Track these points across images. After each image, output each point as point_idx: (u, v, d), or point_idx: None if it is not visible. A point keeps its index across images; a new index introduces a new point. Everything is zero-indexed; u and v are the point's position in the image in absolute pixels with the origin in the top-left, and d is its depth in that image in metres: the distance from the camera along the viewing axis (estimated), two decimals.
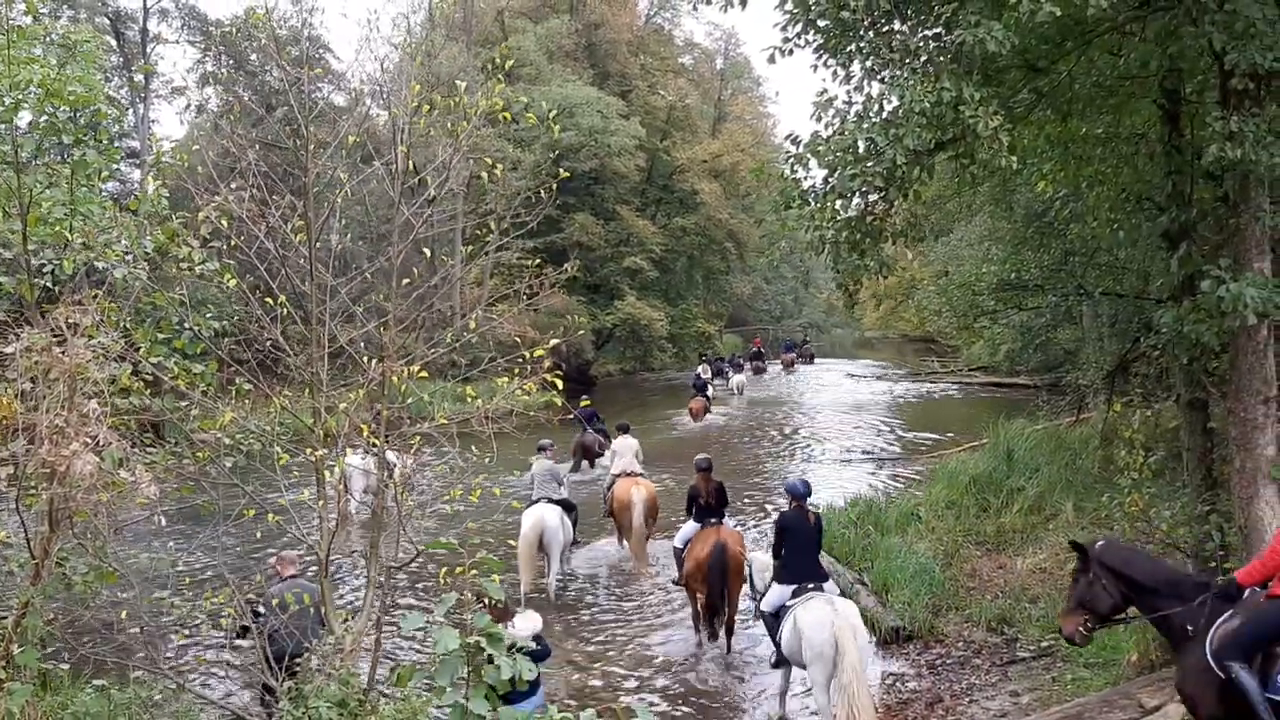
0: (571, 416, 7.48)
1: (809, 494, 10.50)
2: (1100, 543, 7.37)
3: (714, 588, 11.49)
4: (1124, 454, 10.83)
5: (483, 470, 7.49)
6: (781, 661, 9.94)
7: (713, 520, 12.49)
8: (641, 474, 16.16)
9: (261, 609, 7.61)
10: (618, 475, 16.09)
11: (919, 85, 8.32)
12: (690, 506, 12.94)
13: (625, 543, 15.75)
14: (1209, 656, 6.35)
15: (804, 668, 9.33)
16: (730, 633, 11.86)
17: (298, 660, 6.72)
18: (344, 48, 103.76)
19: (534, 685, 7.36)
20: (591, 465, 22.72)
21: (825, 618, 9.00)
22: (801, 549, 9.94)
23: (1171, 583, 6.87)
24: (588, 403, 10.44)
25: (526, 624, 7.90)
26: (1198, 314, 8.88)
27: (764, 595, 10.31)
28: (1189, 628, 6.56)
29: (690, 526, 12.84)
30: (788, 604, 9.62)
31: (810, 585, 9.64)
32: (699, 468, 13.06)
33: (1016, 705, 9.79)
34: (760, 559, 11.00)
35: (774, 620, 9.83)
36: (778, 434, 31.19)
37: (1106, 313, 18.04)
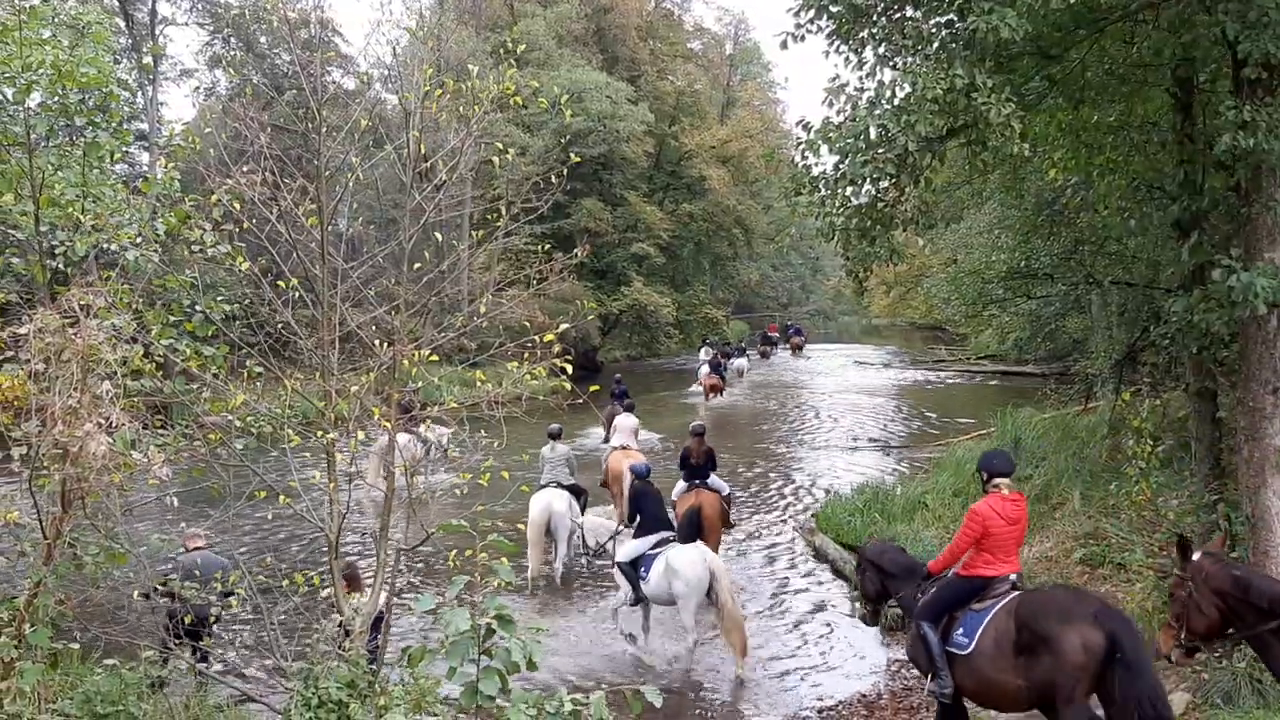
0: (580, 400, 7.54)
1: (649, 473, 12.87)
2: (868, 543, 9.52)
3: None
4: (1132, 443, 10.84)
5: (492, 454, 7.53)
6: (639, 601, 11.67)
7: (697, 481, 14.37)
8: (636, 448, 17.60)
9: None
10: (615, 448, 17.54)
11: (931, 72, 8.31)
12: (682, 465, 14.74)
13: (616, 507, 16.72)
14: (914, 622, 7.92)
15: (668, 604, 11.32)
16: None
17: (207, 624, 7.55)
18: (354, 31, 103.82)
19: None
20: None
21: (697, 556, 11.12)
22: (653, 511, 12.01)
23: (908, 569, 8.40)
24: (594, 387, 10.68)
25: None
26: (1208, 303, 8.87)
27: (607, 548, 12.73)
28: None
29: (680, 485, 14.66)
30: (648, 553, 11.48)
31: (669, 536, 11.70)
32: (694, 433, 14.91)
33: None
34: (591, 520, 13.37)
35: (631, 569, 11.61)
36: (786, 420, 31.22)
37: (1116, 302, 17.96)
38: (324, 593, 7.58)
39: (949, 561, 7.92)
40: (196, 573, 8.27)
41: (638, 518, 12.00)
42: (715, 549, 13.79)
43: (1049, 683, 6.71)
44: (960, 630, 7.47)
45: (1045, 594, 7.63)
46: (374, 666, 6.72)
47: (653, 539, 11.66)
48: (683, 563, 10.98)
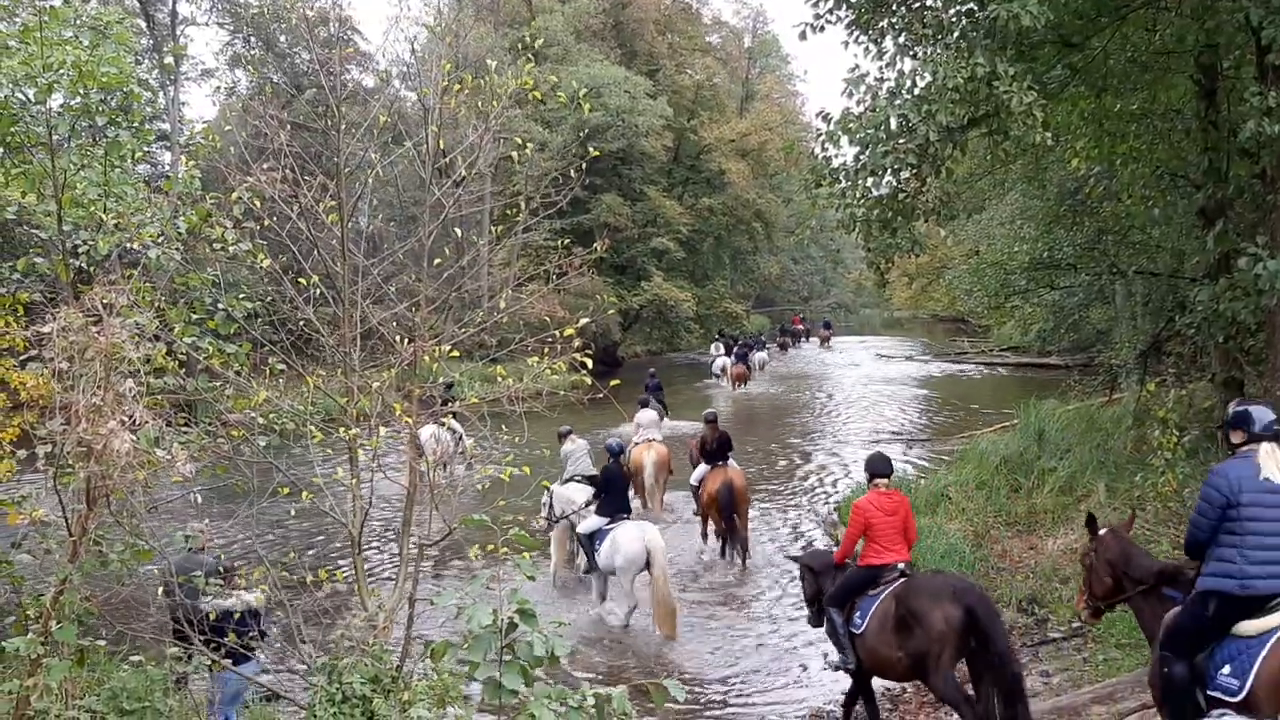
0: (601, 395, 7.58)
1: (623, 452, 14.11)
2: (804, 552, 10.87)
3: (725, 515, 14.66)
4: (1157, 434, 10.74)
5: (513, 449, 7.56)
6: (592, 569, 13.06)
7: (719, 462, 15.40)
8: (658, 439, 18.44)
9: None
10: (638, 442, 18.27)
11: (952, 61, 8.27)
12: (700, 450, 16.08)
13: (641, 498, 17.87)
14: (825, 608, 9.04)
15: (614, 573, 12.45)
16: (745, 547, 15.02)
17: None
18: (372, 28, 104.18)
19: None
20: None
21: (637, 533, 12.30)
22: (617, 492, 13.21)
23: (830, 566, 9.32)
24: (614, 381, 10.80)
25: (249, 596, 7.84)
26: (1234, 292, 8.80)
27: (563, 519, 13.72)
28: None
29: (702, 468, 15.71)
30: (604, 528, 12.69)
31: (623, 516, 12.85)
32: (707, 420, 16.24)
33: (1047, 685, 9.76)
34: (559, 491, 14.18)
35: (589, 541, 12.93)
36: (808, 412, 31.18)
37: (1140, 291, 17.84)
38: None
39: (845, 552, 9.09)
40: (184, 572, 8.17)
41: (603, 495, 13.13)
42: (745, 519, 15.18)
43: (921, 652, 7.84)
44: (858, 614, 8.59)
45: (920, 578, 8.63)
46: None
47: (608, 519, 12.82)
48: (623, 539, 12.21)
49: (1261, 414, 6.15)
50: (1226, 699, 5.89)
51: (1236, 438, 6.25)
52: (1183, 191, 10.68)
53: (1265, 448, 6.07)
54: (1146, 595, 7.04)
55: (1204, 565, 6.21)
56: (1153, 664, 6.64)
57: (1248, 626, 5.97)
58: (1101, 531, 7.52)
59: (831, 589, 9.05)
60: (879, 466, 8.99)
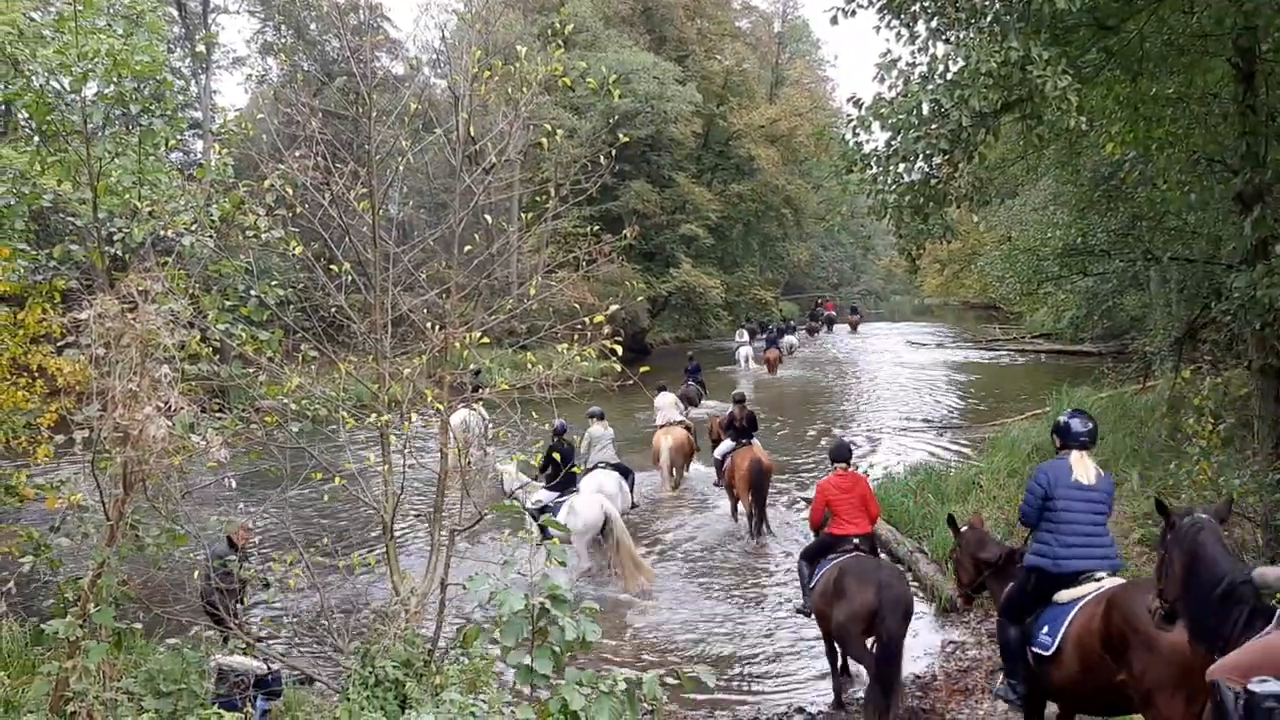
0: (631, 382, 7.60)
1: (566, 431, 14.35)
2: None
3: (757, 493, 15.34)
4: (1192, 421, 10.62)
5: (543, 435, 7.59)
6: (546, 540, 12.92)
7: (744, 441, 16.27)
8: (679, 421, 19.22)
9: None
10: (659, 426, 19.04)
11: (985, 45, 8.18)
12: (729, 426, 16.98)
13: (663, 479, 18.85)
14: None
15: (568, 543, 12.73)
16: (764, 520, 15.56)
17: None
18: (402, 15, 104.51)
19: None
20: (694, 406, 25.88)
21: (595, 500, 13.34)
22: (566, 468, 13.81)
23: None
24: (644, 368, 10.87)
25: (249, 661, 7.82)
26: (1271, 278, 8.69)
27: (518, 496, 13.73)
28: None
29: (728, 444, 16.63)
30: (556, 500, 13.52)
31: (573, 490, 13.75)
32: (736, 400, 17.21)
33: None
34: (509, 471, 13.99)
35: (538, 512, 13.03)
36: (839, 398, 31.09)
37: (1175, 278, 17.64)
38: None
39: (814, 522, 10.44)
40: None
41: (549, 469, 13.47)
42: (765, 498, 15.69)
43: (844, 622, 8.90)
44: (816, 574, 9.83)
45: (859, 560, 9.47)
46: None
47: (558, 493, 13.65)
48: (581, 505, 13.19)
49: (1078, 426, 7.27)
50: (1043, 653, 7.02)
51: (1058, 442, 7.38)
52: (1219, 176, 10.52)
53: (1075, 454, 7.22)
54: (997, 575, 8.14)
55: (1029, 546, 7.42)
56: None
57: (1063, 595, 7.09)
58: (963, 529, 8.64)
59: (804, 547, 10.53)
60: (839, 454, 10.53)
